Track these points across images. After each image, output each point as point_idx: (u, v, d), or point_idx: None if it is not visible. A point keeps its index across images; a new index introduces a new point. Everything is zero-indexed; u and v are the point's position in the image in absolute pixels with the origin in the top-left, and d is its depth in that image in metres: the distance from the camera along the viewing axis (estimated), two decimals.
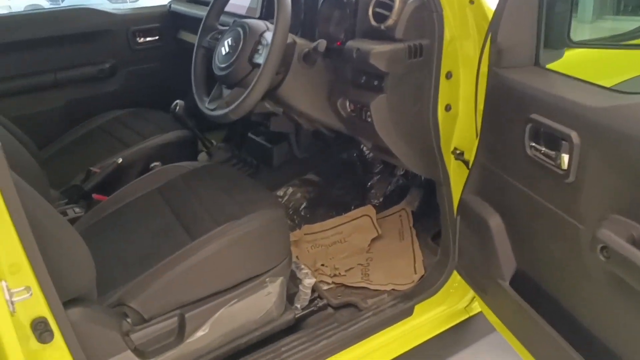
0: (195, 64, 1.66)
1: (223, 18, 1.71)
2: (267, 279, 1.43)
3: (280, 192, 2.07)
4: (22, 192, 0.94)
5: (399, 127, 1.49)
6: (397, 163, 1.65)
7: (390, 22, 1.38)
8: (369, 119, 1.46)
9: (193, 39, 2.38)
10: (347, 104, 1.55)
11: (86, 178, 1.86)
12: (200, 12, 2.25)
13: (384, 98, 1.43)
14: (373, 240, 2.00)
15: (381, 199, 2.22)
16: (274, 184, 2.06)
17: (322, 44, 1.39)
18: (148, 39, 2.49)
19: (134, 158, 1.95)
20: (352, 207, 2.18)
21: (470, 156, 1.53)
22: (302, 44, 1.50)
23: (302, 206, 2.13)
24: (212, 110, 1.51)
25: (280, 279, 1.46)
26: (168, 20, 2.50)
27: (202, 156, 2.01)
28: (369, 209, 2.08)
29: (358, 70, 1.49)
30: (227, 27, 1.60)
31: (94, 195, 1.72)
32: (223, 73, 1.49)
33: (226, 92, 1.53)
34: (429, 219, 2.01)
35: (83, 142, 2.16)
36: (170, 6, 2.45)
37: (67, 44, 2.32)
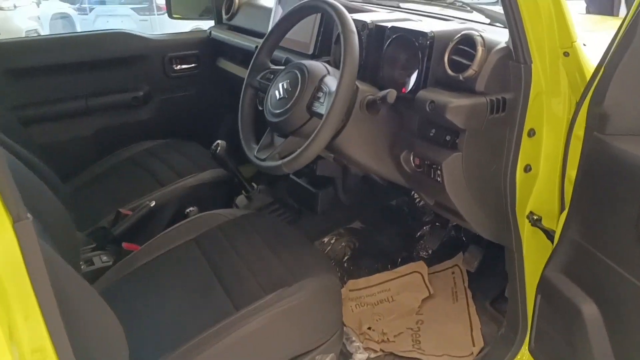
0: (242, 105, 1.52)
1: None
2: (317, 357, 1.27)
3: (323, 241, 1.92)
4: (49, 262, 0.80)
5: (472, 188, 1.33)
6: (462, 224, 1.49)
7: (470, 72, 1.23)
8: (439, 179, 1.31)
9: (233, 68, 2.29)
10: (412, 158, 1.40)
11: (115, 220, 1.72)
12: (242, 41, 2.13)
13: (458, 157, 1.27)
14: (423, 300, 1.84)
15: (431, 252, 2.06)
16: (317, 232, 1.91)
17: (392, 94, 1.24)
18: (184, 66, 2.37)
19: (168, 200, 1.82)
20: (399, 259, 2.02)
21: (550, 224, 1.38)
22: (366, 90, 1.36)
23: (346, 257, 1.97)
24: (262, 160, 1.37)
25: (330, 356, 1.30)
26: (207, 47, 2.39)
27: (241, 200, 1.88)
28: (420, 265, 1.91)
29: (427, 123, 1.35)
30: (280, 67, 1.46)
31: (125, 245, 1.58)
32: (276, 120, 1.35)
33: (278, 140, 1.40)
34: (487, 280, 1.84)
35: (112, 175, 2.03)
36: (210, 33, 2.33)
37: (100, 69, 2.21)
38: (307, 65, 1.35)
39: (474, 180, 1.32)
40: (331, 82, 1.30)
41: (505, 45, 1.23)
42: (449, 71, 1.28)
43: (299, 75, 1.35)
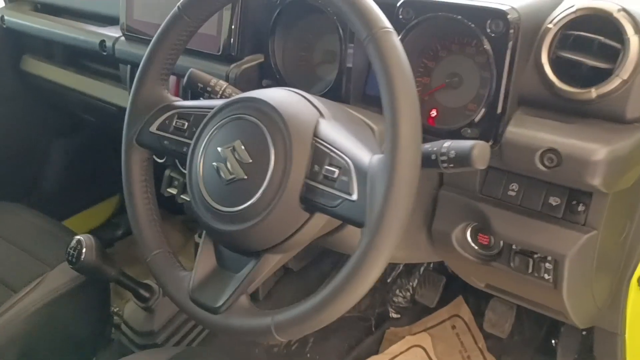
0: (131, 190, 0.79)
1: None
2: None
3: None
4: None
5: (597, 277, 0.79)
6: (541, 311, 0.95)
7: (614, 84, 0.65)
8: (547, 276, 0.75)
9: (52, 72, 1.46)
10: (471, 236, 0.82)
11: None
12: (69, 32, 1.30)
13: (593, 240, 0.71)
14: None
15: (408, 296, 1.52)
16: None
17: (481, 152, 0.59)
18: None
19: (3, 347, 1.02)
20: (373, 322, 1.47)
21: None
22: None
23: (309, 346, 1.36)
24: (215, 308, 0.68)
25: None
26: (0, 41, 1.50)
27: (133, 314, 1.12)
28: (422, 338, 1.37)
29: (500, 175, 0.76)
30: (204, 107, 0.75)
31: None
32: (232, 228, 0.66)
33: (235, 262, 0.71)
34: (513, 337, 1.36)
35: None
36: (3, 19, 1.44)
37: None
38: (275, 104, 0.66)
39: (602, 265, 0.78)
40: (338, 137, 0.64)
41: None
42: (558, 83, 0.68)
43: (263, 127, 0.66)
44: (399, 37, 0.77)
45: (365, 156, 0.60)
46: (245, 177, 0.66)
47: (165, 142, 0.77)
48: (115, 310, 1.36)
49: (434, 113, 0.81)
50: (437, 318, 1.46)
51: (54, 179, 1.72)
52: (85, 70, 1.40)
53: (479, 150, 0.59)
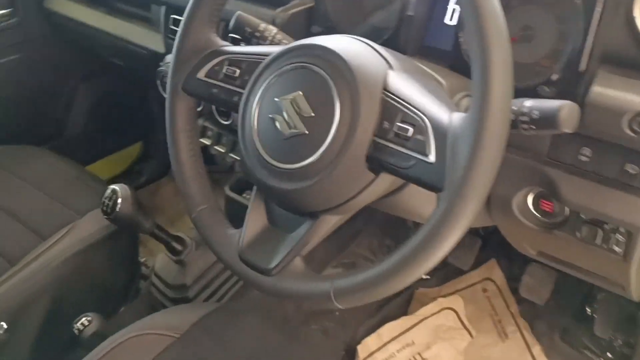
0: (175, 140, 0.74)
1: None
2: None
3: None
4: None
5: None
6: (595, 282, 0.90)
7: None
8: (618, 248, 0.70)
9: (78, 11, 1.39)
10: (534, 201, 0.77)
11: None
12: None
13: None
14: None
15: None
16: None
17: (569, 113, 0.54)
18: None
19: (31, 302, 0.99)
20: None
21: None
22: (458, 86, 0.68)
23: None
24: (266, 269, 0.64)
25: None
26: None
27: (165, 266, 1.09)
28: (454, 300, 1.33)
29: (572, 138, 0.71)
30: (259, 53, 0.69)
31: None
32: (288, 186, 0.61)
33: (288, 220, 0.67)
34: (547, 303, 1.33)
35: None
36: None
37: None
38: (341, 53, 0.61)
39: None
40: (411, 92, 0.59)
41: None
42: None
43: (327, 78, 0.60)
44: None
45: (444, 114, 0.55)
46: (306, 131, 0.60)
47: (214, 90, 0.72)
48: (142, 260, 1.34)
49: None
50: (467, 280, 1.42)
51: (78, 123, 1.67)
52: (114, 10, 1.33)
53: (567, 111, 0.53)
